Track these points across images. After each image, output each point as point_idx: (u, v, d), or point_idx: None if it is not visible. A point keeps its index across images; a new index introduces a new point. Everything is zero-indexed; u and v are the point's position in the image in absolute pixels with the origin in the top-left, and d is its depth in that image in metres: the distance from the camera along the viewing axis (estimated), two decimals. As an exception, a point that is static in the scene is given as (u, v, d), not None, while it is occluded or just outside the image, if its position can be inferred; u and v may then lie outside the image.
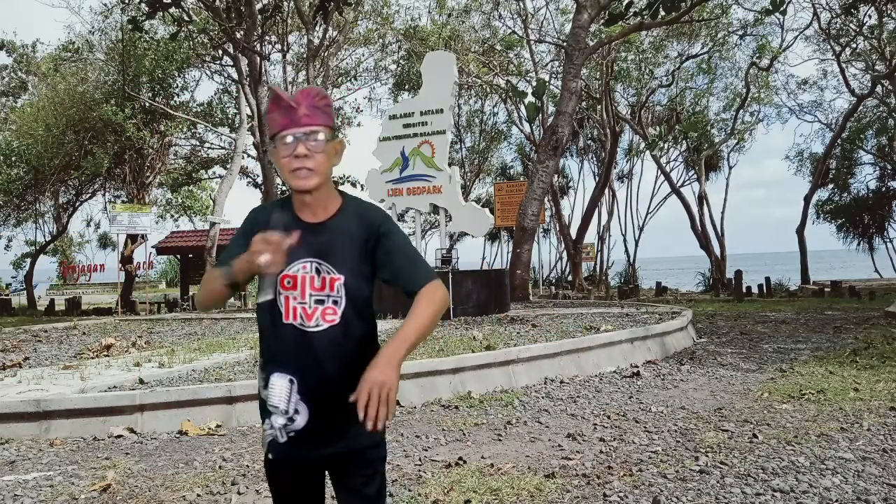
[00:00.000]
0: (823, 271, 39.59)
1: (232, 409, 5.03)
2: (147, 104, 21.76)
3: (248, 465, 4.01)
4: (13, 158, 23.71)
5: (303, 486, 1.82)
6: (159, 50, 21.62)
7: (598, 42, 17.38)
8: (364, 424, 1.58)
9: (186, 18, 17.34)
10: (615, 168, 29.39)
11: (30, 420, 4.83)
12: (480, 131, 30.32)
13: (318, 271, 1.72)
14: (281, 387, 1.72)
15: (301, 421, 1.72)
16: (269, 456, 1.76)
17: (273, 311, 1.74)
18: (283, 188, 20.67)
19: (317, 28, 17.89)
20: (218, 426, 4.86)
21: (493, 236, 31.31)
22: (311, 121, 1.70)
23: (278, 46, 20.92)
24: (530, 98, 17.38)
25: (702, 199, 27.37)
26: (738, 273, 19.54)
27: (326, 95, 1.77)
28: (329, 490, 1.86)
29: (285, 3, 18.13)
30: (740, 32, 25.23)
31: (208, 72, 24.55)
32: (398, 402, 5.25)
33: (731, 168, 30.96)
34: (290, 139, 1.69)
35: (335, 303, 1.72)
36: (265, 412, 1.76)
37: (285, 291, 1.73)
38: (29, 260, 28.53)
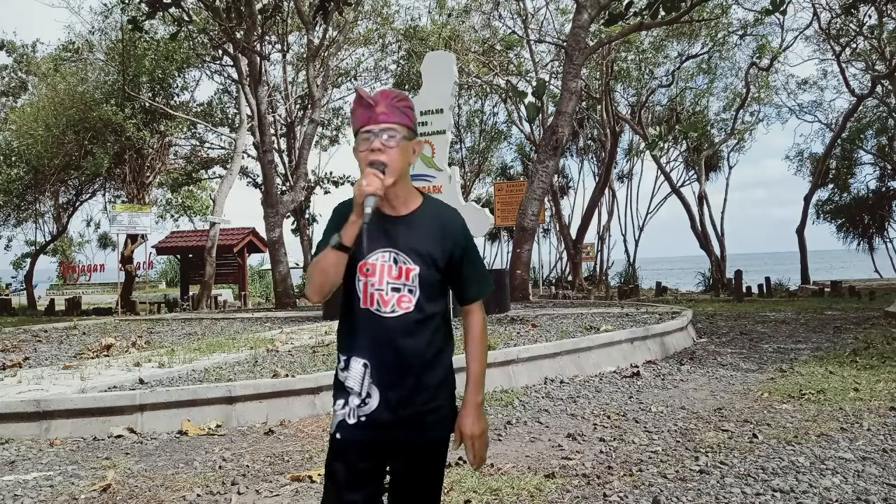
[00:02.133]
0: (823, 271, 39.59)
1: (232, 409, 5.04)
2: (147, 104, 21.73)
3: (248, 465, 4.01)
4: (13, 158, 23.68)
5: (363, 474, 1.82)
6: (159, 50, 21.59)
7: (598, 42, 17.34)
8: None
9: (186, 18, 17.31)
10: (615, 168, 29.38)
11: (30, 420, 4.83)
12: (480, 131, 30.30)
13: (395, 261, 1.82)
14: (356, 369, 1.81)
15: (373, 404, 1.80)
16: (337, 436, 1.82)
17: (352, 295, 1.84)
18: (283, 188, 20.66)
19: (317, 28, 17.87)
20: (218, 426, 4.86)
21: (493, 236, 31.31)
22: (388, 118, 1.80)
23: (278, 46, 20.90)
24: (530, 98, 17.33)
25: (702, 199, 27.37)
26: (738, 273, 19.53)
27: (406, 97, 1.86)
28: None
29: (285, 3, 18.11)
30: (740, 32, 25.21)
31: (208, 72, 24.54)
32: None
33: (731, 168, 31.05)
34: (367, 136, 1.80)
35: (410, 291, 1.81)
36: (339, 393, 1.84)
37: (364, 278, 1.82)
38: (29, 260, 28.52)
